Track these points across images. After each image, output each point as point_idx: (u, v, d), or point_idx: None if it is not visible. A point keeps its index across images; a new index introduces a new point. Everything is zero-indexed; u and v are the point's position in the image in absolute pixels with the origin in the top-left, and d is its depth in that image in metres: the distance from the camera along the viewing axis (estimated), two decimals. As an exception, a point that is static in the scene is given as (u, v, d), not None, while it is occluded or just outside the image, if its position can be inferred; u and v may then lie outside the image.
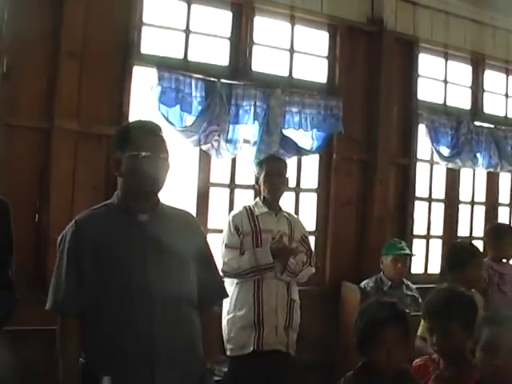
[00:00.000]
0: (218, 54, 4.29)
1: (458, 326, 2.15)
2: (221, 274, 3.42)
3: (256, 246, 3.60)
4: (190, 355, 2.16)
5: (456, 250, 3.45)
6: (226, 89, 4.12)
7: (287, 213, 3.85)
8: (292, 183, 4.62)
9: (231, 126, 4.14)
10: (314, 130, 4.48)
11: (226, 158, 4.22)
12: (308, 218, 4.68)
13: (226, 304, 3.64)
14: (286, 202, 4.48)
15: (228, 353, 3.65)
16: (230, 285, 3.64)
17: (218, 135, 4.03)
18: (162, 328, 2.08)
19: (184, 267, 2.20)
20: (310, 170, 4.73)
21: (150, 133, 2.20)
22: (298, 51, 4.62)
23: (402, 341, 2.15)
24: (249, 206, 3.77)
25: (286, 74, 4.56)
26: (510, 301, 4.03)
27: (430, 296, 2.37)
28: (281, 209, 3.82)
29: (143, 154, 2.13)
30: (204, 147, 4.07)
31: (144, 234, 2.15)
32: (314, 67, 4.71)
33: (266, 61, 4.48)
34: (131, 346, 2.04)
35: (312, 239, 4.71)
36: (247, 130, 4.23)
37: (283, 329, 3.63)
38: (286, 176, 3.83)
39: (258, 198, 3.83)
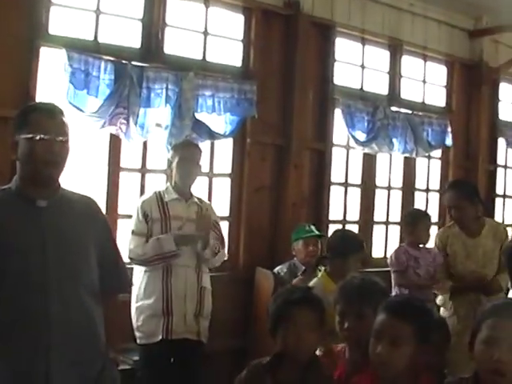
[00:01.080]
0: (129, 35, 4.42)
1: (371, 310, 2.27)
2: (128, 261, 3.61)
3: (164, 233, 3.74)
4: (89, 343, 2.25)
5: (340, 239, 3.65)
6: (136, 71, 4.25)
7: (198, 199, 4.02)
8: (205, 168, 4.85)
9: (142, 110, 4.27)
10: (228, 113, 4.68)
11: (136, 142, 4.37)
12: (221, 203, 4.93)
13: (135, 292, 3.80)
14: (199, 187, 4.72)
15: (138, 341, 3.80)
16: (138, 272, 3.83)
17: (126, 118, 4.15)
18: (59, 315, 2.17)
19: (83, 254, 2.29)
20: (223, 155, 4.95)
21: (47, 115, 2.22)
22: (212, 34, 4.81)
23: (313, 326, 2.27)
24: (159, 192, 3.92)
25: (199, 57, 4.74)
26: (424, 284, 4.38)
27: (344, 282, 2.56)
28: (192, 195, 3.99)
29: (38, 136, 2.16)
30: (111, 130, 4.20)
31: (42, 220, 2.21)
32: (228, 50, 4.92)
33: (179, 43, 4.64)
34: (27, 333, 2.14)
35: (225, 224, 4.97)
36: (159, 113, 4.40)
37: (193, 317, 3.78)
38: (200, 163, 4.01)
39: (168, 184, 3.99)
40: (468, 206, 4.06)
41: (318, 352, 2.49)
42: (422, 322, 2.09)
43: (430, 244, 4.53)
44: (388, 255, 4.77)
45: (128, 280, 2.68)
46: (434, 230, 5.80)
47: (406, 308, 2.10)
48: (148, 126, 4.35)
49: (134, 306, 3.83)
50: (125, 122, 4.18)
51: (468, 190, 4.15)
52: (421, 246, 4.55)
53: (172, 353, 3.81)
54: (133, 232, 3.81)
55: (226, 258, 4.21)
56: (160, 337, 3.71)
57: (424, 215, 4.74)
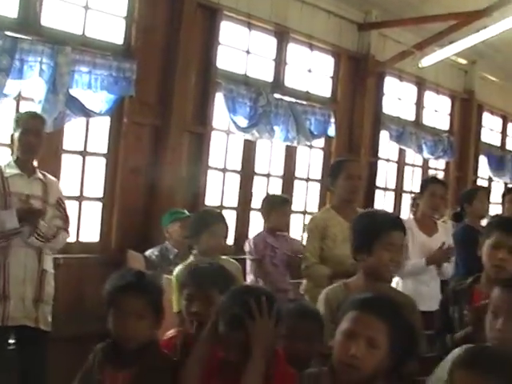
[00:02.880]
0: (6, 5, 4.63)
1: (218, 295, 2.45)
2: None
3: (4, 210, 3.76)
4: None
5: (196, 217, 4.01)
6: (10, 42, 4.47)
7: (43, 174, 4.08)
8: (79, 146, 5.20)
9: (12, 81, 4.48)
10: (105, 91, 4.99)
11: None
12: (95, 184, 5.29)
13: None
14: (71, 165, 5.07)
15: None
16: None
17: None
18: None
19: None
20: (98, 134, 5.29)
21: None
22: (93, 9, 5.15)
23: (142, 313, 2.38)
24: None
25: (79, 31, 5.06)
26: (281, 274, 4.86)
27: (191, 266, 2.83)
28: (35, 170, 4.05)
29: None
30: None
31: None
32: (110, 27, 5.27)
33: (58, 16, 4.92)
34: None
35: (99, 206, 5.37)
36: (31, 86, 4.67)
37: (32, 302, 3.84)
38: (43, 135, 4.03)
39: (11, 158, 4.02)
40: None
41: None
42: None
43: (296, 231, 5.02)
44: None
45: None
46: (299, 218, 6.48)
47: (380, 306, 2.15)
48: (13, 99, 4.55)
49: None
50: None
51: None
52: (278, 233, 4.94)
53: (8, 340, 3.86)
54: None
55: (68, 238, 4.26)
56: (-4, 322, 3.70)
57: (281, 201, 5.09)
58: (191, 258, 3.86)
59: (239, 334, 2.23)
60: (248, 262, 4.94)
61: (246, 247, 5.05)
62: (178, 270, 3.69)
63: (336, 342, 2.12)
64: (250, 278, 4.84)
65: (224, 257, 3.88)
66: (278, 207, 4.92)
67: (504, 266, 2.90)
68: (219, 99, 6.04)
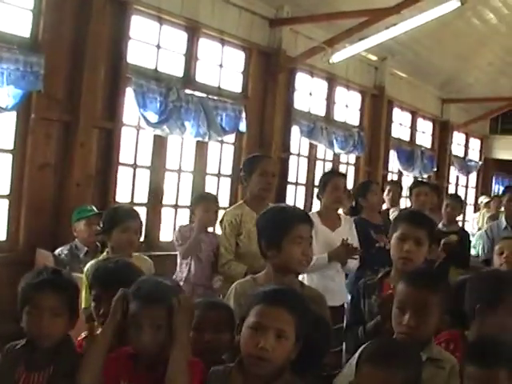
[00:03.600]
0: None
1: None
2: None
3: None
4: None
5: (109, 213, 4.01)
6: None
7: None
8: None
9: None
10: (11, 86, 5.07)
11: None
12: (1, 181, 5.35)
13: None
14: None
15: None
16: None
17: None
18: None
19: None
20: (4, 130, 5.36)
21: None
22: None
23: (58, 311, 2.43)
24: None
25: (-17, 25, 5.12)
26: (203, 269, 5.00)
27: (97, 266, 2.87)
28: None
29: None
30: None
31: None
32: (16, 20, 5.34)
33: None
34: None
35: (5, 203, 5.44)
36: None
37: None
38: None
39: None
40: None
41: None
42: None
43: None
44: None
45: None
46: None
47: None
48: None
49: None
50: None
51: None
52: (207, 231, 5.00)
53: None
54: None
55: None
56: None
57: (208, 198, 5.16)
58: (104, 255, 3.87)
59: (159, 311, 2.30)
60: (178, 250, 4.96)
61: (174, 237, 5.11)
62: (88, 265, 3.73)
63: (244, 336, 2.21)
64: (179, 266, 4.91)
65: (136, 254, 4.00)
66: (204, 204, 4.99)
67: (411, 258, 3.11)
68: (129, 94, 6.20)
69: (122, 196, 6.33)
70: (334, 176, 4.98)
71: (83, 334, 2.81)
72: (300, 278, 3.10)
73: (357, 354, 2.35)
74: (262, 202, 4.43)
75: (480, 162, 14.59)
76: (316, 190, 5.14)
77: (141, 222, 4.00)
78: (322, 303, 2.91)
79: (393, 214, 6.65)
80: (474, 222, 12.11)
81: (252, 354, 2.16)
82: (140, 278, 2.48)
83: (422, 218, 3.39)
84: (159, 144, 6.74)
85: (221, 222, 4.58)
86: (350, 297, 3.78)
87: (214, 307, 2.74)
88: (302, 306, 2.31)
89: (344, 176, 5.19)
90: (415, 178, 11.68)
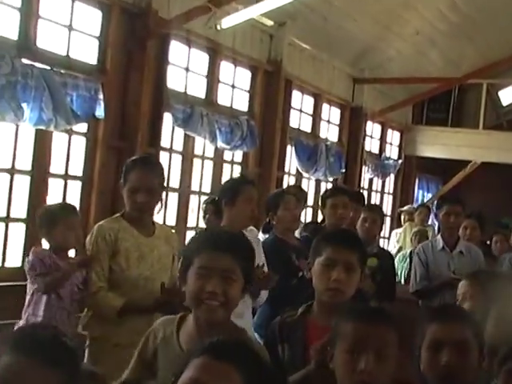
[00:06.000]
0: None
1: None
2: None
3: None
4: None
5: None
6: None
7: None
8: None
9: None
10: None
11: None
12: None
13: None
14: None
15: None
16: None
17: None
18: None
19: None
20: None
21: None
22: None
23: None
24: None
25: None
26: (65, 311, 4.94)
27: None
28: None
29: None
30: None
31: None
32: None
33: None
34: None
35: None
36: None
37: None
38: None
39: None
40: None
41: None
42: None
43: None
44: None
45: None
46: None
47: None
48: None
49: None
50: None
51: None
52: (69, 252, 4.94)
53: None
54: None
55: None
56: None
57: (64, 211, 5.02)
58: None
59: None
60: (29, 286, 4.78)
61: (27, 264, 4.82)
62: None
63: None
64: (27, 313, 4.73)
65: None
66: (64, 219, 4.87)
67: (341, 289, 3.24)
68: None
69: None
70: (245, 184, 5.18)
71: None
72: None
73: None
74: (143, 215, 4.52)
75: (400, 161, 15.23)
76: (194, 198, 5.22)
77: None
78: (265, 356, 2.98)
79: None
80: (393, 239, 12.59)
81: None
82: None
83: (352, 237, 3.58)
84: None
85: (89, 238, 4.57)
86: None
87: None
88: (252, 359, 2.35)
89: (254, 184, 5.38)
90: (319, 181, 12.03)
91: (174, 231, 5.34)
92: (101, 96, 7.43)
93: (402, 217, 12.79)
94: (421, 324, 3.10)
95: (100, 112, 7.46)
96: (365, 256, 3.51)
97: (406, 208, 13.03)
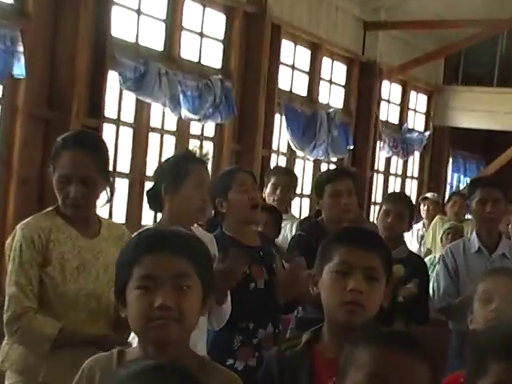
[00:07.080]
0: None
1: None
2: None
3: None
4: None
5: None
6: None
7: None
8: None
9: None
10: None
11: None
12: None
13: None
14: None
15: None
16: None
17: None
18: None
19: None
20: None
21: None
22: None
23: None
24: None
25: None
26: None
27: None
28: None
29: None
30: None
31: None
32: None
33: None
34: None
35: None
36: None
37: None
38: None
39: None
40: None
41: None
42: None
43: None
44: None
45: None
46: None
47: None
48: None
49: None
50: None
51: None
52: None
53: None
54: None
55: None
56: None
57: None
58: None
59: None
60: None
61: None
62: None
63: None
64: None
65: None
66: None
67: (360, 302, 3.16)
68: None
69: None
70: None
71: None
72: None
73: None
74: (78, 212, 4.48)
75: (427, 134, 15.22)
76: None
77: None
78: None
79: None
80: (414, 238, 12.27)
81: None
82: None
83: (373, 236, 3.52)
84: None
85: (10, 242, 4.48)
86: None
87: None
88: None
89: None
90: (318, 161, 11.99)
91: (126, 229, 5.20)
92: (20, 48, 7.35)
93: (423, 207, 12.26)
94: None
95: (20, 70, 7.38)
96: (391, 262, 3.40)
97: (429, 195, 12.58)
